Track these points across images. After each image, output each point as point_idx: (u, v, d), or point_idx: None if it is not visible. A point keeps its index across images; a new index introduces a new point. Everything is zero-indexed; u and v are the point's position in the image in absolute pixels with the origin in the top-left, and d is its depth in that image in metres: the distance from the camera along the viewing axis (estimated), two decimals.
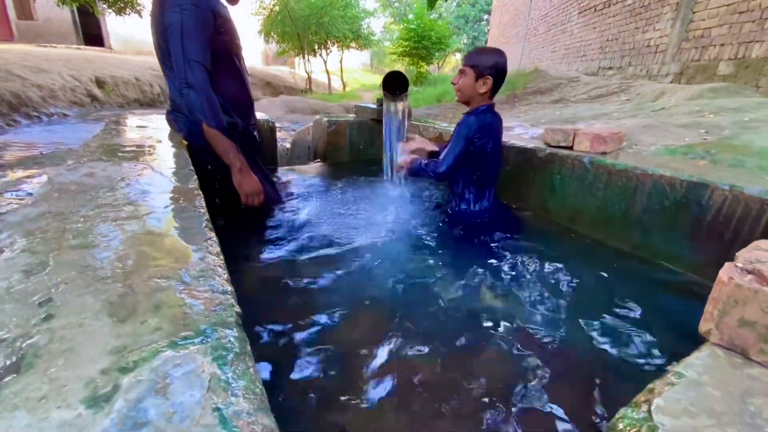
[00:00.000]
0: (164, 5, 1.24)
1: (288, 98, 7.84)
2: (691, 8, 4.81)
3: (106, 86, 8.19)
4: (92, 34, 14.65)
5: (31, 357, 0.33)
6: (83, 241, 0.53)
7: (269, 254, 1.45)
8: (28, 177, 1.94)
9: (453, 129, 1.70)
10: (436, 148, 1.91)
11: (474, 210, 1.71)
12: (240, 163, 1.37)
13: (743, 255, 0.47)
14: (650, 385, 0.50)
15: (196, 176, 0.92)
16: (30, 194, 1.23)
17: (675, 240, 1.38)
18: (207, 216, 0.68)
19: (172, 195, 0.76)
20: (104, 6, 6.35)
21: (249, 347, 0.38)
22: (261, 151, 1.71)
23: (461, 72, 1.58)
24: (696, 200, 1.31)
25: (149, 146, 1.21)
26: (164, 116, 1.56)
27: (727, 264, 0.51)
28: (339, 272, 1.36)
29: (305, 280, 1.28)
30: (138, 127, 1.58)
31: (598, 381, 0.91)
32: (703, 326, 0.56)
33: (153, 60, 11.61)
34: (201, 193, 0.82)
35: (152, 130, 1.56)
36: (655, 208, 1.43)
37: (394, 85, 2.31)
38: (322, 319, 1.09)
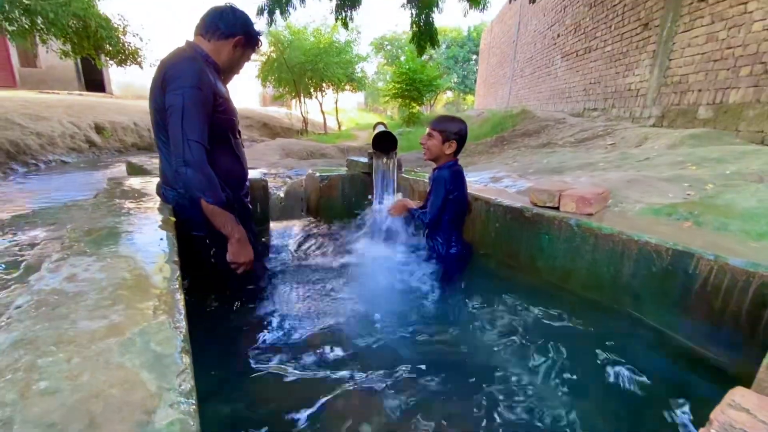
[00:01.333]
0: (165, 87, 1.28)
1: (284, 141, 8.01)
2: (668, 56, 5.07)
3: (105, 132, 8.35)
4: (94, 80, 15.12)
5: None
6: (49, 386, 0.52)
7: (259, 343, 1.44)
8: (16, 246, 1.93)
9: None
10: (415, 206, 2.00)
11: (460, 251, 1.90)
12: (239, 234, 1.39)
13: (717, 418, 0.45)
14: None
15: (179, 272, 0.91)
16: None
17: (667, 307, 1.37)
18: (185, 333, 0.67)
19: (151, 305, 0.75)
20: (106, 58, 6.59)
21: None
22: (251, 217, 1.73)
23: (429, 135, 1.81)
24: (683, 269, 1.32)
25: (137, 230, 1.22)
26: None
27: (701, 431, 0.48)
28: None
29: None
30: (131, 200, 1.59)
31: None
32: None
33: None
34: (181, 295, 0.81)
35: (144, 201, 1.57)
36: (643, 273, 1.43)
37: (385, 143, 2.38)
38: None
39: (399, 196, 2.30)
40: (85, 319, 0.69)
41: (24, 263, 1.67)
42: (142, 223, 1.27)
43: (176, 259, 1.00)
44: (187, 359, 0.61)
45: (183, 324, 0.71)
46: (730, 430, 0.43)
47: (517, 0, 10.98)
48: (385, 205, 2.20)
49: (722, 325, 1.24)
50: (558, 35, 8.81)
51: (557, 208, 1.77)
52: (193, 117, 1.27)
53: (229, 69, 1.49)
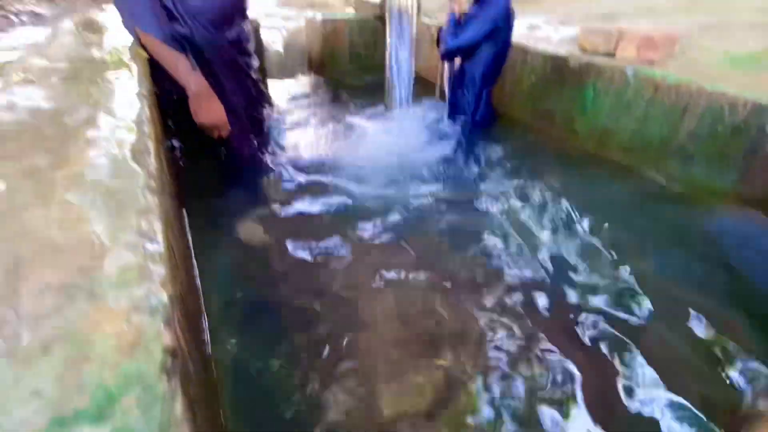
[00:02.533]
0: None
1: None
2: None
3: None
4: None
5: None
6: None
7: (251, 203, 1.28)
8: None
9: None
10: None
11: (487, 113, 1.65)
12: (196, 85, 1.08)
13: None
14: None
15: (148, 113, 0.72)
16: None
17: (721, 171, 1.20)
18: (153, 171, 0.52)
19: (109, 141, 0.59)
20: None
21: (182, 411, 0.26)
22: (248, 73, 1.29)
23: None
24: (758, 125, 1.10)
25: (101, 60, 0.99)
26: None
27: None
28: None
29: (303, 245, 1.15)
30: (98, 29, 1.30)
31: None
32: None
33: None
34: (154, 138, 0.65)
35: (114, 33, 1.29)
36: (704, 132, 1.21)
37: None
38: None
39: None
40: (20, 149, 0.54)
41: None
42: (109, 54, 1.03)
43: (144, 92, 0.81)
44: (153, 200, 0.47)
45: (152, 169, 0.55)
46: None
47: None
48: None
49: None
50: None
51: (613, 55, 1.46)
52: None
53: None
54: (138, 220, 0.41)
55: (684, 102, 1.24)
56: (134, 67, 0.94)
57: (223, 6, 1.16)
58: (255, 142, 1.37)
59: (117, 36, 1.23)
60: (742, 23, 1.83)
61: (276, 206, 1.29)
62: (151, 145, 0.61)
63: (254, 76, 1.32)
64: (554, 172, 1.42)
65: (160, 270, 0.36)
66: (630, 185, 1.34)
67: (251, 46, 1.28)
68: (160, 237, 0.41)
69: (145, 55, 1.07)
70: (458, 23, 1.52)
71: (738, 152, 1.15)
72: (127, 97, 0.75)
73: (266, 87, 1.54)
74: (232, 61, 1.20)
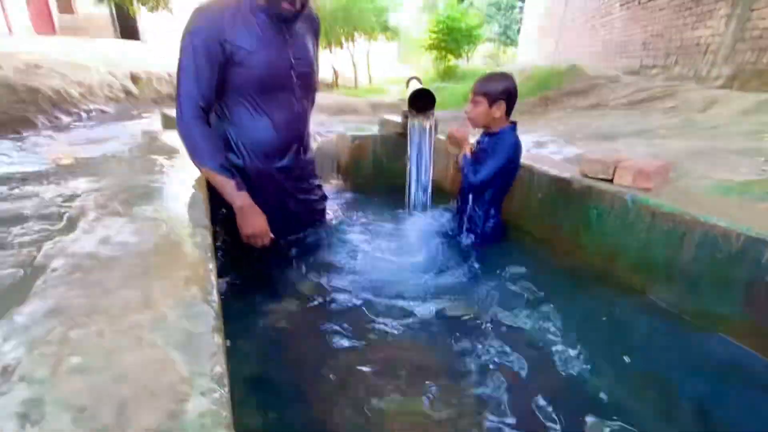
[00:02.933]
0: None
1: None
2: (750, 5, 4.40)
3: (141, 82, 8.43)
4: (128, 27, 15.14)
5: None
6: (81, 363, 0.51)
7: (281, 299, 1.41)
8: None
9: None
10: (474, 142, 1.84)
11: (497, 226, 1.82)
12: (240, 201, 1.28)
13: None
14: None
15: (210, 239, 0.88)
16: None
17: (726, 298, 1.25)
18: (218, 312, 0.64)
19: (183, 276, 0.73)
20: (138, 4, 6.50)
21: None
22: (292, 194, 1.52)
23: (474, 102, 1.65)
24: (754, 258, 1.18)
25: (170, 190, 1.19)
26: None
27: None
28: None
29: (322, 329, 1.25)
30: (165, 156, 1.57)
31: None
32: None
33: None
34: (214, 265, 0.78)
35: (177, 158, 1.55)
36: (705, 259, 1.30)
37: (421, 101, 2.22)
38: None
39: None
40: (118, 288, 0.67)
41: (66, 215, 1.72)
42: (176, 183, 1.25)
43: (208, 224, 0.98)
44: (219, 339, 0.58)
45: (215, 298, 0.68)
46: None
47: None
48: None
49: None
50: None
51: (611, 181, 1.62)
52: (183, 69, 1.20)
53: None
54: (211, 365, 0.52)
55: (681, 230, 1.35)
56: (199, 196, 1.13)
57: (283, 139, 1.40)
58: (292, 251, 1.56)
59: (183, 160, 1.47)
60: (732, 149, 2.02)
61: (292, 302, 1.40)
62: (214, 280, 0.74)
63: (301, 196, 1.55)
64: (561, 290, 1.49)
65: (228, 416, 0.46)
66: (637, 308, 1.38)
67: (305, 171, 1.53)
68: (225, 381, 0.51)
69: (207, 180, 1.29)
70: (473, 154, 1.75)
71: (740, 281, 1.21)
72: (196, 230, 0.91)
73: (320, 204, 1.76)
74: (278, 185, 1.43)
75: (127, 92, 7.99)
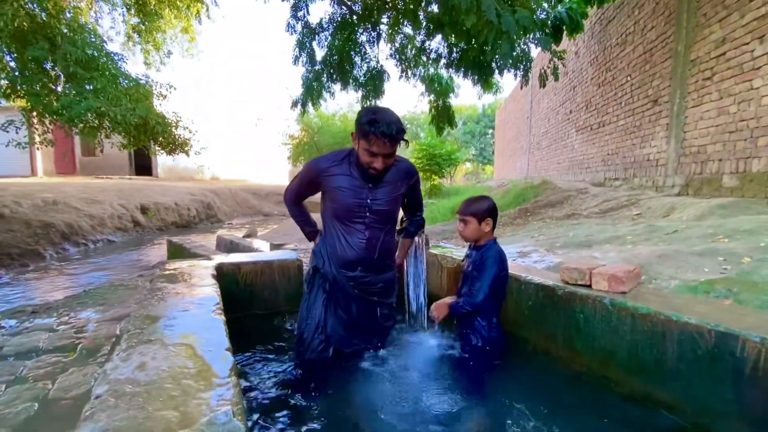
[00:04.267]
0: None
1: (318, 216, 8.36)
2: (682, 128, 5.24)
3: (149, 212, 9.03)
4: (143, 165, 16.78)
5: None
6: None
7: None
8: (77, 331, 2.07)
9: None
10: (450, 300, 1.96)
11: (500, 335, 1.89)
12: (310, 236, 2.03)
13: None
14: None
15: (233, 360, 0.99)
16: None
17: (718, 393, 1.30)
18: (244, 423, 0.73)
19: (215, 395, 0.82)
20: (157, 148, 7.40)
21: None
22: (353, 298, 1.84)
23: (464, 222, 1.91)
24: (729, 351, 1.28)
25: (190, 316, 1.32)
26: (197, 258, 1.76)
27: None
28: None
29: None
30: (181, 284, 1.72)
31: None
32: None
33: (192, 185, 13.04)
34: (238, 385, 0.88)
35: (195, 286, 1.70)
36: (688, 357, 1.38)
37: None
38: None
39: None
40: (158, 410, 0.76)
41: (80, 346, 1.79)
42: (196, 309, 1.38)
43: (229, 346, 1.08)
44: None
45: (242, 418, 0.76)
46: None
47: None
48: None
49: None
50: (571, 111, 9.29)
51: (589, 286, 1.78)
52: (293, 183, 1.93)
53: (361, 158, 1.68)
54: None
55: (660, 329, 1.46)
56: (219, 328, 1.26)
57: (351, 255, 1.78)
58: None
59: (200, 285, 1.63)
60: (694, 251, 2.25)
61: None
62: (241, 400, 0.83)
63: (365, 306, 1.87)
64: (561, 400, 1.51)
65: None
66: (637, 412, 1.41)
67: (372, 286, 1.85)
68: None
69: (221, 307, 1.42)
70: (464, 271, 1.95)
71: (725, 375, 1.29)
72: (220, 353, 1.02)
73: (385, 321, 1.98)
74: (345, 290, 1.80)
75: (135, 222, 8.51)
